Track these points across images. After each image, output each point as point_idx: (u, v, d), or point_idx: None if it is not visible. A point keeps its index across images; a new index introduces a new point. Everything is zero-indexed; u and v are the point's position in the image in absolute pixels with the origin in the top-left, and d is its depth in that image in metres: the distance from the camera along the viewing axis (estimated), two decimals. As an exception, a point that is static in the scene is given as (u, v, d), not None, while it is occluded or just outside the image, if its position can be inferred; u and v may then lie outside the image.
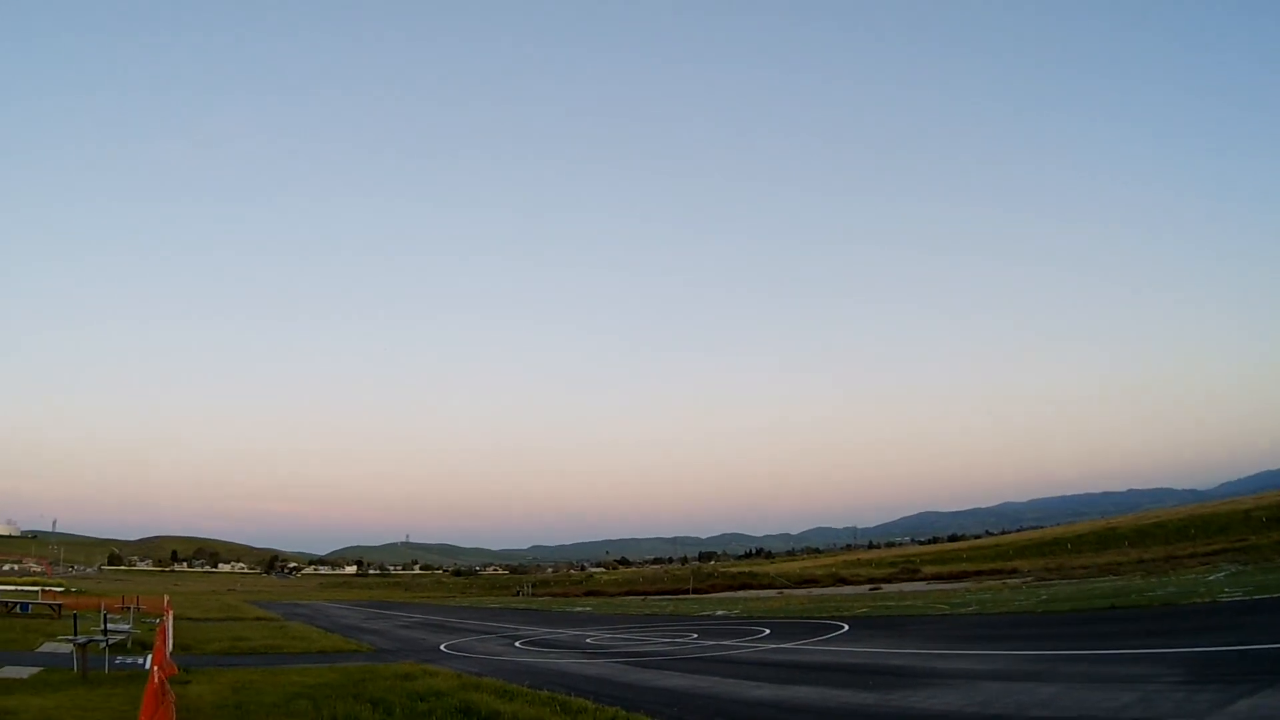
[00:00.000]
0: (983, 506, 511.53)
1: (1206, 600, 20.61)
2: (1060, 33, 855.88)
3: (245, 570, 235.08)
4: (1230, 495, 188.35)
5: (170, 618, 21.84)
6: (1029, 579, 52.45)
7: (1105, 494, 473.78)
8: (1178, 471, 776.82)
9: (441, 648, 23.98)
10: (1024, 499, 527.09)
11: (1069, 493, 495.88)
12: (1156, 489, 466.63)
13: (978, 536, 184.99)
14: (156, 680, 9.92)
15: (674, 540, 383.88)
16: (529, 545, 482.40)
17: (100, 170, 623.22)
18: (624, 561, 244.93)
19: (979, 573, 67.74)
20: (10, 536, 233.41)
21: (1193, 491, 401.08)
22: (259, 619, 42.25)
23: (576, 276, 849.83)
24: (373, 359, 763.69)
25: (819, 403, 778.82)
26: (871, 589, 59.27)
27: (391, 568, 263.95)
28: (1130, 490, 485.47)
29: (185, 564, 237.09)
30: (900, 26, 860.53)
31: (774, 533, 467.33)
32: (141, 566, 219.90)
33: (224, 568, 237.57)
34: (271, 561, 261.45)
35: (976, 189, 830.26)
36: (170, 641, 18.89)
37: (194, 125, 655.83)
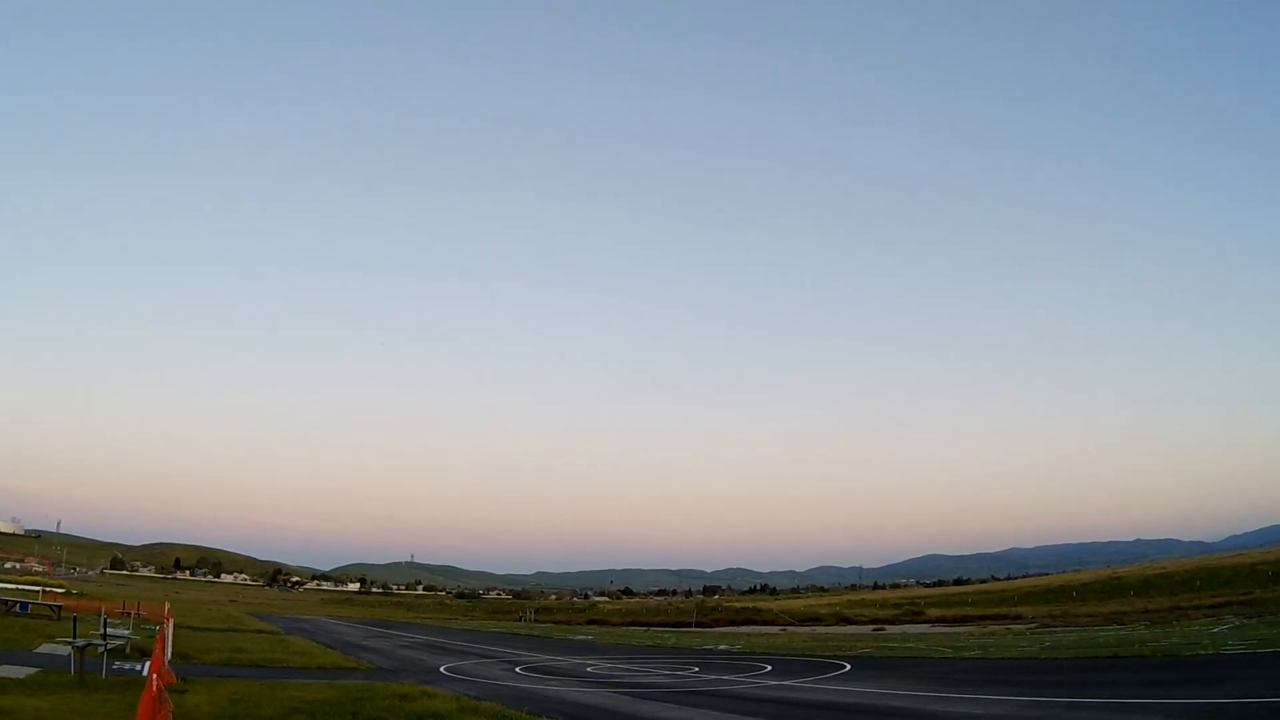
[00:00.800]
0: (989, 551, 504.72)
1: (1210, 652, 20.46)
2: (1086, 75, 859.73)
3: (248, 582, 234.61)
4: (1237, 549, 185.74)
5: (170, 625, 21.83)
6: (1033, 625, 52.01)
7: (1112, 543, 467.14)
8: (1185, 523, 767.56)
9: (441, 670, 23.77)
10: (1030, 545, 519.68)
11: (1076, 541, 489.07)
12: (1163, 540, 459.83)
13: (983, 581, 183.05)
14: (154, 688, 9.91)
15: (679, 573, 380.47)
16: (533, 571, 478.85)
17: (123, 172, 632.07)
18: (628, 592, 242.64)
19: (983, 617, 67.26)
20: (13, 535, 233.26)
21: (1199, 544, 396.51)
22: (259, 632, 42.09)
23: (593, 307, 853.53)
24: (388, 377, 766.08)
25: (828, 442, 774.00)
26: (875, 630, 58.74)
27: (395, 587, 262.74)
28: (1137, 540, 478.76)
29: (188, 572, 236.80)
30: (920, 61, 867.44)
31: (779, 569, 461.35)
32: (144, 572, 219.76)
33: (227, 578, 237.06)
34: (275, 574, 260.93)
35: (989, 232, 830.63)
36: (169, 649, 18.86)
37: (220, 132, 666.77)
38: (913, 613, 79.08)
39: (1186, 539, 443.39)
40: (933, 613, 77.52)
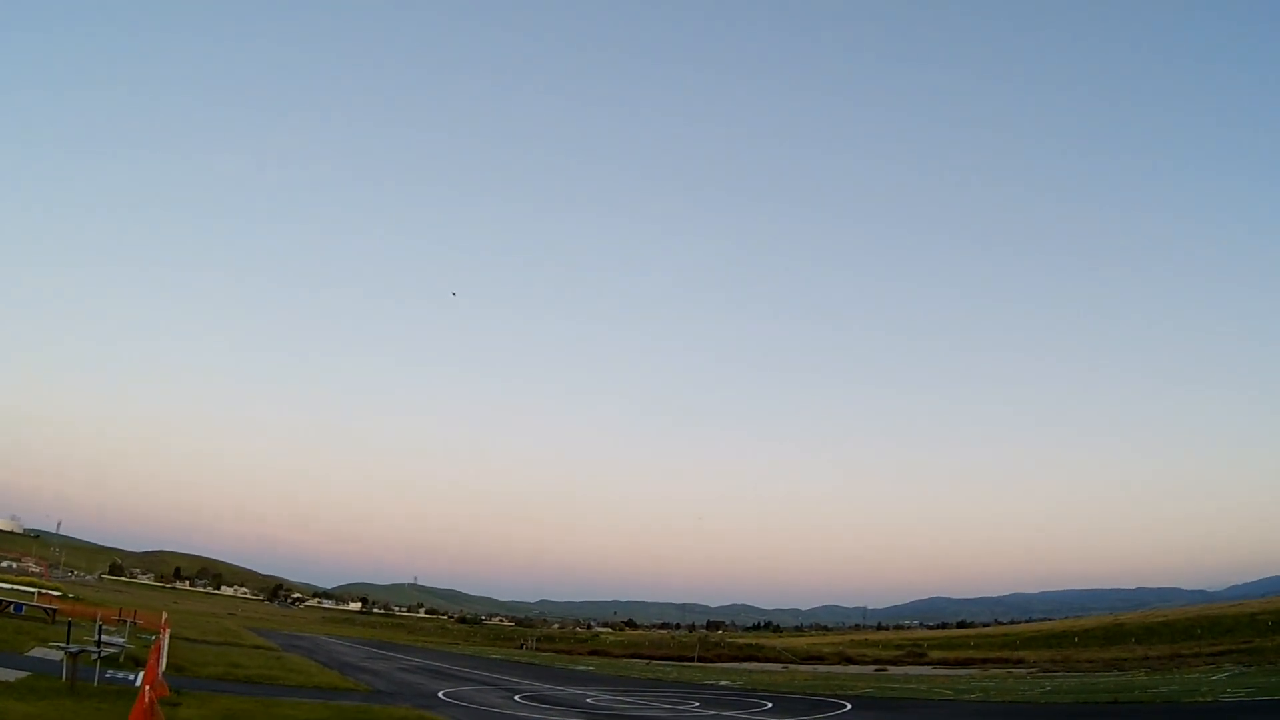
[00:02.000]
0: (992, 595, 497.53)
1: (1209, 700, 20.63)
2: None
3: (248, 596, 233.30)
4: (1238, 598, 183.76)
5: (166, 636, 21.46)
6: (1034, 669, 51.75)
7: (1115, 590, 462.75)
8: (1187, 572, 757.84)
9: (440, 695, 23.29)
10: (1034, 590, 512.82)
11: (1079, 587, 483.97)
12: (1165, 588, 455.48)
13: (986, 625, 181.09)
14: (146, 699, 9.57)
15: (683, 607, 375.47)
16: (537, 599, 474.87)
17: (138, 174, 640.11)
18: (630, 624, 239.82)
19: (985, 660, 66.60)
20: (12, 533, 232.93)
21: (1201, 592, 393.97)
22: (257, 647, 41.59)
23: (604, 340, 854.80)
24: (400, 397, 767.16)
25: (836, 481, 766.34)
26: (877, 670, 58.48)
27: (396, 609, 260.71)
28: (1139, 588, 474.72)
29: (188, 582, 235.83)
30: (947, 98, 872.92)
31: (784, 607, 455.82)
32: (143, 580, 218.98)
33: (226, 590, 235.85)
34: (275, 590, 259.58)
35: (993, 275, 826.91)
36: (164, 660, 18.48)
37: (252, 141, 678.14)
38: (915, 654, 78.40)
39: (1188, 588, 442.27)
40: (935, 654, 76.79)
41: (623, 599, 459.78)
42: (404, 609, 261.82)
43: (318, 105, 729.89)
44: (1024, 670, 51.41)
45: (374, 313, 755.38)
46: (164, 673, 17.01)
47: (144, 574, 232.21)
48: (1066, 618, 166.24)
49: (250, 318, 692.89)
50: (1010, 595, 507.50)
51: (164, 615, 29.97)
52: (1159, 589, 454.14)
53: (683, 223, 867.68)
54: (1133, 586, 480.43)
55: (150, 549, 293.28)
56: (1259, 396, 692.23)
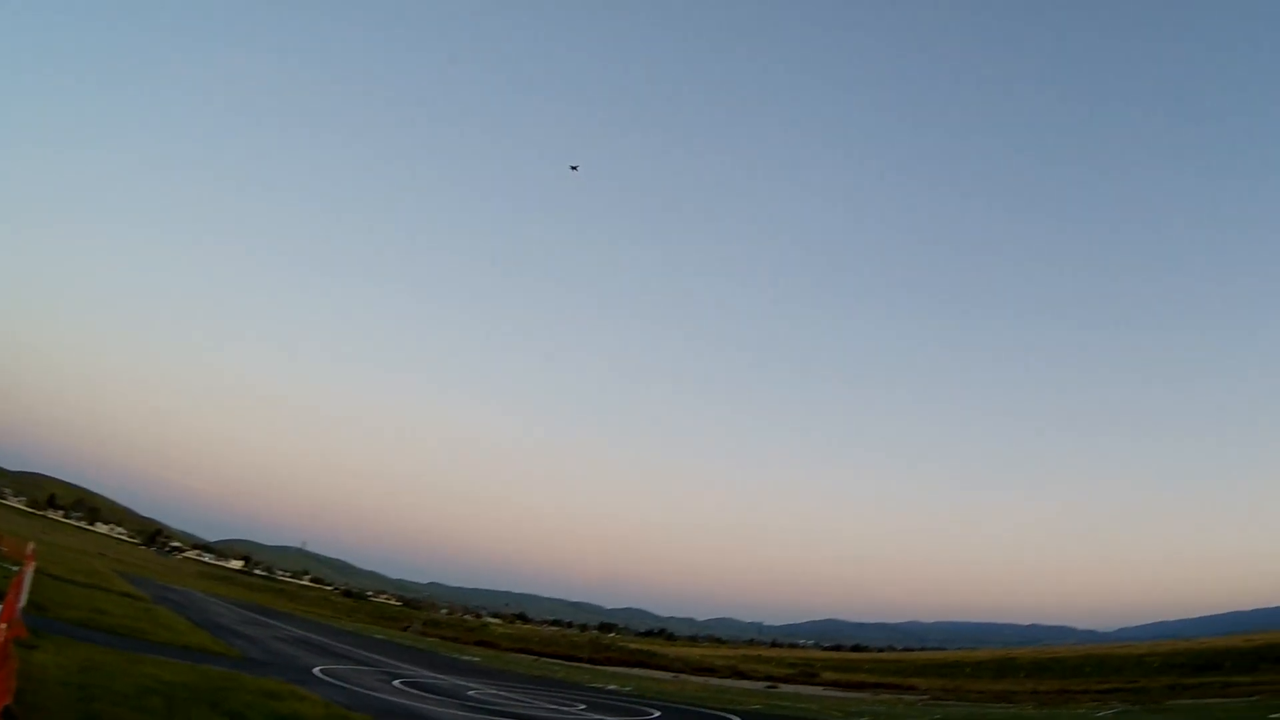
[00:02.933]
0: (889, 622, 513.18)
1: None
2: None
3: (123, 537, 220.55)
4: (1127, 640, 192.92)
5: (31, 570, 20.15)
6: (925, 697, 52.94)
7: (1009, 625, 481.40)
8: (1079, 612, 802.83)
9: (315, 671, 22.50)
10: (930, 620, 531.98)
11: (974, 619, 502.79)
12: (1058, 626, 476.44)
13: (881, 650, 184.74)
14: (1, 639, 8.94)
15: (576, 605, 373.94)
16: (427, 580, 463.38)
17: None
18: (522, 617, 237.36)
19: (877, 685, 67.97)
20: None
21: (1092, 632, 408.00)
22: (126, 595, 39.46)
23: (520, 329, 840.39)
24: (308, 356, 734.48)
25: (740, 495, 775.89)
26: (768, 687, 59.03)
27: (281, 573, 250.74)
28: (1033, 625, 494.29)
29: (61, 512, 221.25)
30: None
31: (679, 615, 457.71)
32: (13, 502, 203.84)
33: (102, 527, 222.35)
34: (154, 535, 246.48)
35: (890, 308, 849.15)
36: (24, 597, 17.33)
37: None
38: (807, 674, 79.34)
39: (1080, 627, 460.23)
40: (827, 676, 78.12)
41: (515, 590, 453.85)
42: (288, 574, 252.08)
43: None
44: (915, 697, 52.69)
45: (280, 265, 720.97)
46: (23, 610, 15.93)
47: (15, 496, 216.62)
48: (960, 648, 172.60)
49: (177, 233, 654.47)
50: (906, 623, 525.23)
51: (30, 546, 28.02)
52: (1052, 626, 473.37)
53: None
54: (1026, 623, 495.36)
55: (25, 470, 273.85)
56: (1158, 449, 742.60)
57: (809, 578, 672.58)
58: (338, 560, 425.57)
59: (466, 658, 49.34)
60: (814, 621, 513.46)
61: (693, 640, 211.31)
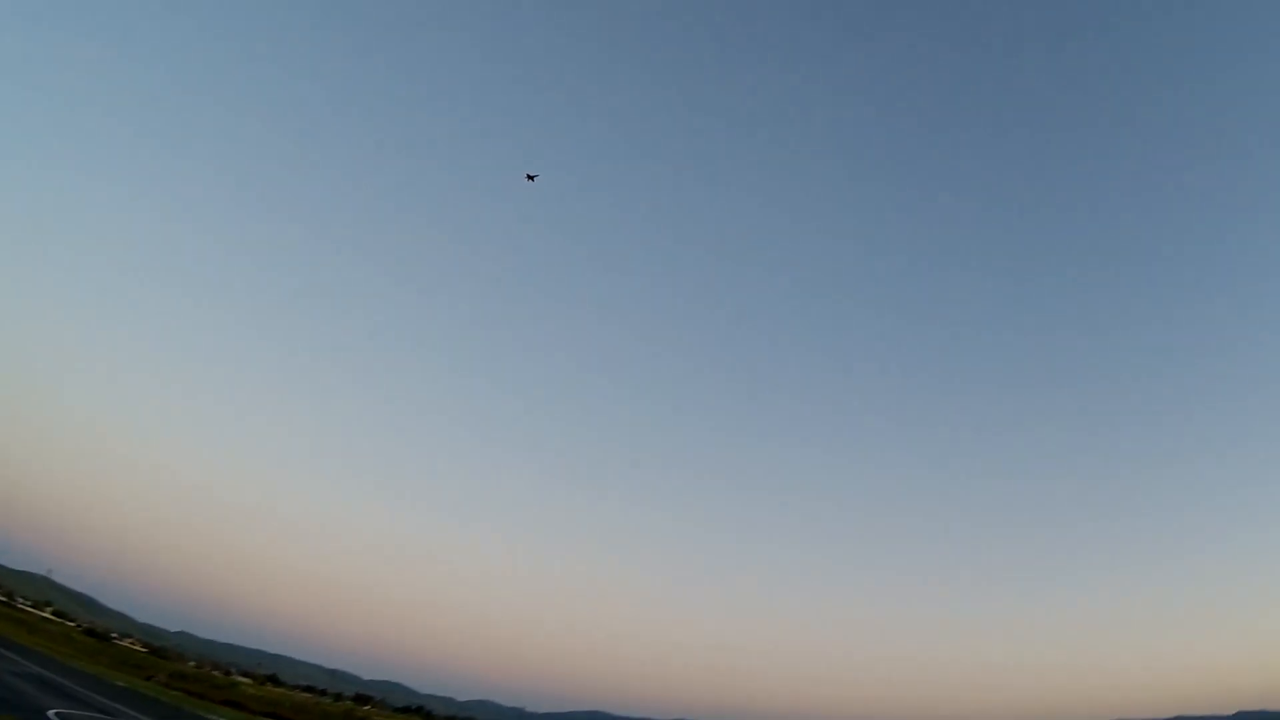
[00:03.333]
0: (656, 718, 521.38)
1: None
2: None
3: None
4: None
5: None
6: None
7: None
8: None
9: (50, 715, 20.97)
10: (702, 716, 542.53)
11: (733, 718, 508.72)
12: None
13: None
14: None
15: (333, 672, 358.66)
16: (177, 628, 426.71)
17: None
18: (274, 679, 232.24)
19: None
20: None
21: None
22: None
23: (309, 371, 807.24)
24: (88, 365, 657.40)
25: (512, 571, 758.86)
26: None
27: (21, 601, 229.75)
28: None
29: None
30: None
31: (439, 694, 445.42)
32: None
33: None
34: None
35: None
36: None
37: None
38: None
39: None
40: None
41: (269, 650, 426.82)
42: (29, 604, 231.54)
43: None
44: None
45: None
46: None
47: None
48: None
49: None
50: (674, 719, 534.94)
51: None
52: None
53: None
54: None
55: None
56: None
57: (575, 667, 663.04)
58: (84, 595, 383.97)
59: (213, 717, 46.89)
60: (578, 712, 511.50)
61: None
